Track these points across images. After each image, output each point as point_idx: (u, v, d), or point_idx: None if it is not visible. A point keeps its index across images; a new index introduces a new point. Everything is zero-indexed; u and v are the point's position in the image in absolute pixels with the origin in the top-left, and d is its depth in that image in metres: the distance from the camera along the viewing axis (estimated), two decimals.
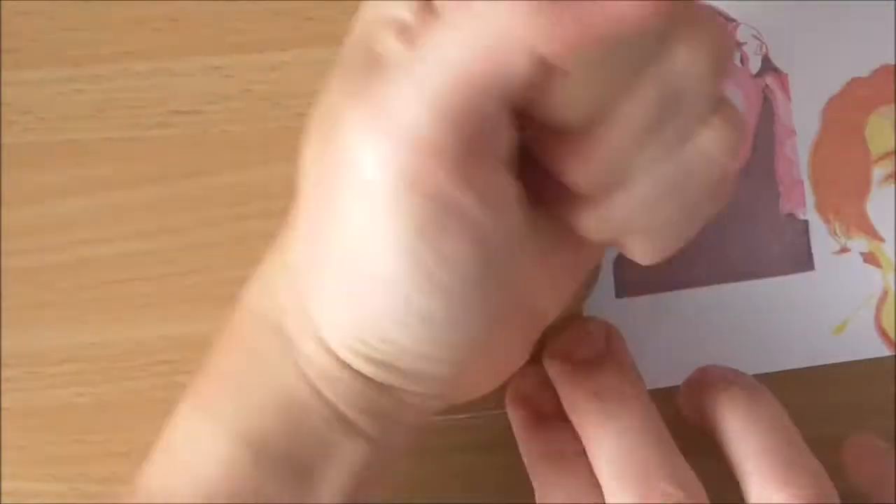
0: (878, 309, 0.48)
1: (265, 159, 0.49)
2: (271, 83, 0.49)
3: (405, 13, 0.31)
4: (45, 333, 0.49)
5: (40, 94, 0.49)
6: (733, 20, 0.48)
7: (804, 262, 0.48)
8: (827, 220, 0.48)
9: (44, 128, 0.49)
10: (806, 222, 0.48)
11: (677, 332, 0.48)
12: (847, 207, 0.48)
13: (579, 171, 0.32)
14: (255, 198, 0.49)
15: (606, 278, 0.48)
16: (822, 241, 0.48)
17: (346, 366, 0.35)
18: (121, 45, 0.49)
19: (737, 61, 0.48)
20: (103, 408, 0.49)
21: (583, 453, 0.39)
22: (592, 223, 0.34)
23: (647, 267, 0.45)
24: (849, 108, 0.48)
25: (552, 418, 0.41)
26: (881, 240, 0.48)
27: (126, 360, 0.49)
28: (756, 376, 0.45)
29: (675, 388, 0.45)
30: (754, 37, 0.48)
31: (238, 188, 0.48)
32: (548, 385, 0.43)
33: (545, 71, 0.29)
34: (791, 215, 0.48)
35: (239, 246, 0.49)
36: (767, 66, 0.48)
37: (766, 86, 0.48)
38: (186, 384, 0.39)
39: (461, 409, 0.41)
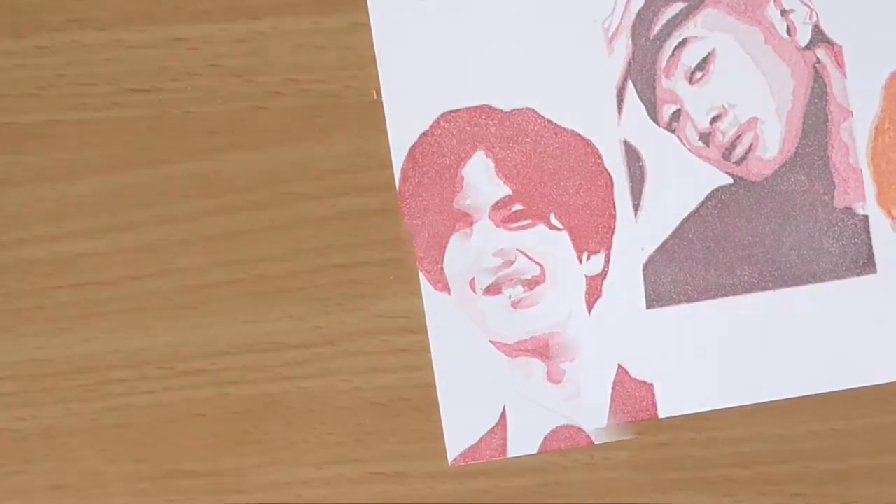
0: None
1: (235, 145, 0.47)
2: (242, 57, 0.47)
3: None
4: None
5: None
6: None
7: (864, 262, 0.46)
8: (890, 215, 0.46)
9: None
10: (866, 217, 0.46)
11: (719, 348, 0.46)
12: None
13: None
14: (223, 190, 0.47)
15: (635, 286, 0.46)
16: (884, 238, 0.46)
17: None
18: (69, 13, 0.47)
19: (783, 32, 0.46)
20: (48, 433, 0.48)
21: None
22: None
23: (684, 273, 0.46)
24: None
25: None
26: None
27: (74, 379, 0.48)
28: (810, 398, 0.45)
29: (717, 412, 0.45)
30: (803, 3, 0.46)
31: (204, 179, 0.48)
32: None
33: None
34: (848, 209, 0.46)
35: (205, 246, 0.47)
36: (819, 37, 0.46)
37: (818, 60, 0.46)
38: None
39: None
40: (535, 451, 0.46)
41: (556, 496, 0.47)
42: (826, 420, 0.46)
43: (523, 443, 0.46)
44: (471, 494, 0.47)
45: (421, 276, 0.46)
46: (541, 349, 0.46)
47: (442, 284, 0.46)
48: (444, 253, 0.46)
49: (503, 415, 0.46)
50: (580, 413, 0.46)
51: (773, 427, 0.47)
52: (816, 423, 0.46)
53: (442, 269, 0.46)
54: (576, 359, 0.46)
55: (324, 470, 0.48)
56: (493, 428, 0.46)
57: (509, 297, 0.46)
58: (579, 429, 0.46)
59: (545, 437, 0.46)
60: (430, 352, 0.46)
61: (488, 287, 0.46)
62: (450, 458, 0.46)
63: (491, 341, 0.46)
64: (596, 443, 0.46)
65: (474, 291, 0.46)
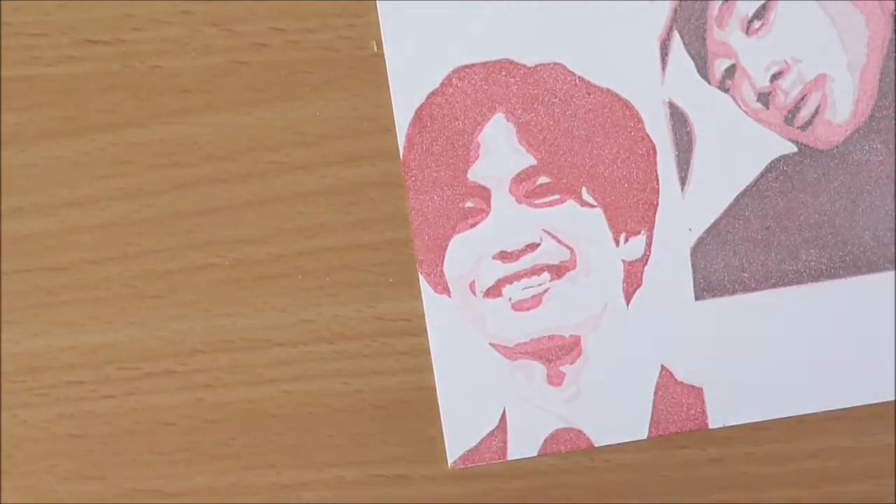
0: None
1: (211, 106, 0.46)
2: (218, 1, 0.46)
3: None
4: None
5: None
6: None
7: None
8: None
9: None
10: None
11: (780, 347, 0.46)
12: None
13: None
14: (196, 159, 0.46)
15: (682, 273, 0.46)
16: None
17: None
18: None
19: None
20: None
21: None
22: None
23: (739, 258, 0.46)
24: None
25: None
26: None
27: (21, 380, 0.47)
28: (887, 405, 0.45)
29: (778, 421, 0.45)
30: None
31: (173, 145, 0.46)
32: None
33: None
34: None
35: (175, 224, 0.47)
36: None
37: None
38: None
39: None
40: (535, 454, 0.47)
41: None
42: None
43: (523, 445, 0.47)
44: (471, 497, 0.48)
45: (421, 278, 0.46)
46: (548, 351, 0.46)
47: (442, 287, 0.46)
48: (444, 255, 0.46)
49: (503, 417, 0.47)
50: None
51: (844, 440, 0.47)
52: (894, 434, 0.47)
53: (442, 271, 0.46)
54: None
55: (323, 472, 0.48)
56: (493, 430, 0.47)
57: (509, 300, 0.46)
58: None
59: (545, 440, 0.47)
60: (429, 354, 0.46)
61: (488, 289, 0.46)
62: (450, 461, 0.46)
63: (491, 344, 0.46)
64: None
65: (474, 294, 0.46)
